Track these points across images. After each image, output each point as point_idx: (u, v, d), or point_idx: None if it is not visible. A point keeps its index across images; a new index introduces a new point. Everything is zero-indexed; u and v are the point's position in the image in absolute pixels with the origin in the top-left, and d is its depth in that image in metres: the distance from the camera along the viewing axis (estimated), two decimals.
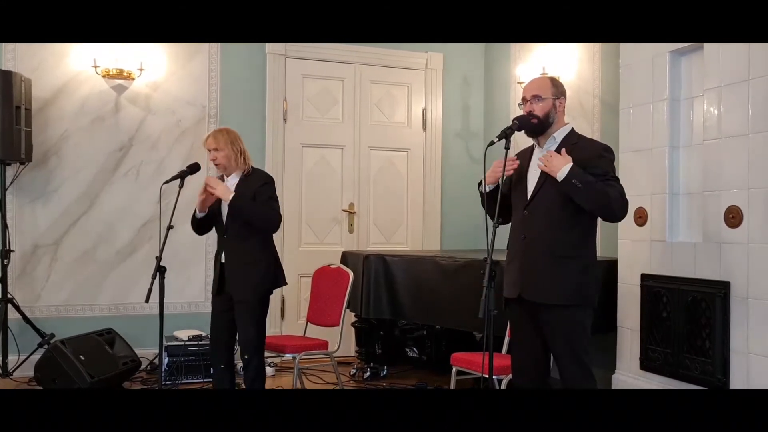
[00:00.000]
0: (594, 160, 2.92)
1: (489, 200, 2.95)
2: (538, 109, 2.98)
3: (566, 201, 2.89)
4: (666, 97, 3.97)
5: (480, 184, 3.04)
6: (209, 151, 3.80)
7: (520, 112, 3.07)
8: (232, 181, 3.83)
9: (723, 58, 3.58)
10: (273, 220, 3.79)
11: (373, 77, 6.09)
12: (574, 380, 2.98)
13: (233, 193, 3.69)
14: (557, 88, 3.04)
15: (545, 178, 2.95)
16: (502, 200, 2.90)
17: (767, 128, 3.33)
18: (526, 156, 3.12)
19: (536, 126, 2.99)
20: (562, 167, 2.82)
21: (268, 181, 3.85)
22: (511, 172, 2.98)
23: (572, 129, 3.05)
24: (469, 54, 6.30)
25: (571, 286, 2.93)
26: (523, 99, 3.05)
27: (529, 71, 5.45)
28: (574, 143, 2.99)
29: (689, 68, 3.94)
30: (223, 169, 3.85)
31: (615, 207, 2.87)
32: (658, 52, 3.99)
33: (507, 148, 2.87)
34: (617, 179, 2.96)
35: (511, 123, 2.96)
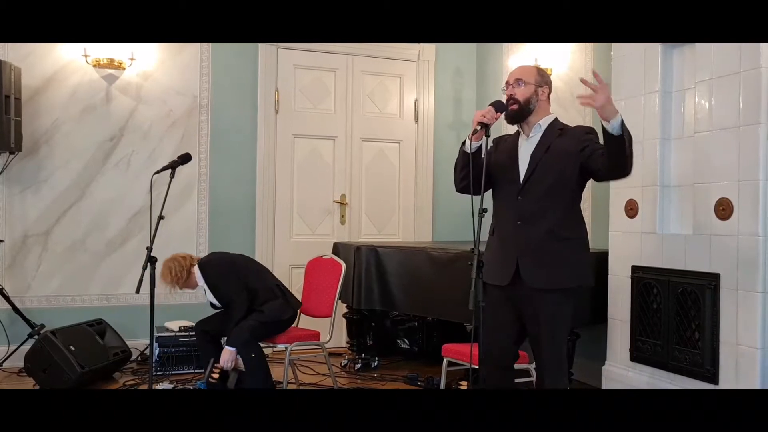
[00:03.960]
0: (584, 136, 2.93)
1: (474, 162, 2.86)
2: (519, 93, 2.97)
3: (560, 182, 2.91)
4: (657, 89, 3.97)
5: (464, 144, 2.97)
6: None
7: None
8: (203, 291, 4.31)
9: (714, 51, 3.59)
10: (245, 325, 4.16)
11: (366, 68, 6.07)
12: (550, 365, 2.94)
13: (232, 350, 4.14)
14: (542, 77, 3.03)
15: (537, 161, 2.94)
16: (476, 165, 2.84)
17: (757, 121, 3.34)
18: (508, 144, 3.09)
19: (516, 112, 2.98)
20: (617, 114, 2.67)
21: (217, 282, 4.24)
22: (494, 121, 2.89)
23: (556, 118, 3.05)
24: (461, 45, 6.27)
25: (574, 268, 2.93)
26: (506, 83, 3.04)
27: (521, 63, 5.42)
28: (560, 129, 3.00)
29: (681, 61, 3.95)
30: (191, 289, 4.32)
31: (631, 160, 2.77)
32: (650, 44, 3.99)
33: (487, 135, 2.85)
34: None
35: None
